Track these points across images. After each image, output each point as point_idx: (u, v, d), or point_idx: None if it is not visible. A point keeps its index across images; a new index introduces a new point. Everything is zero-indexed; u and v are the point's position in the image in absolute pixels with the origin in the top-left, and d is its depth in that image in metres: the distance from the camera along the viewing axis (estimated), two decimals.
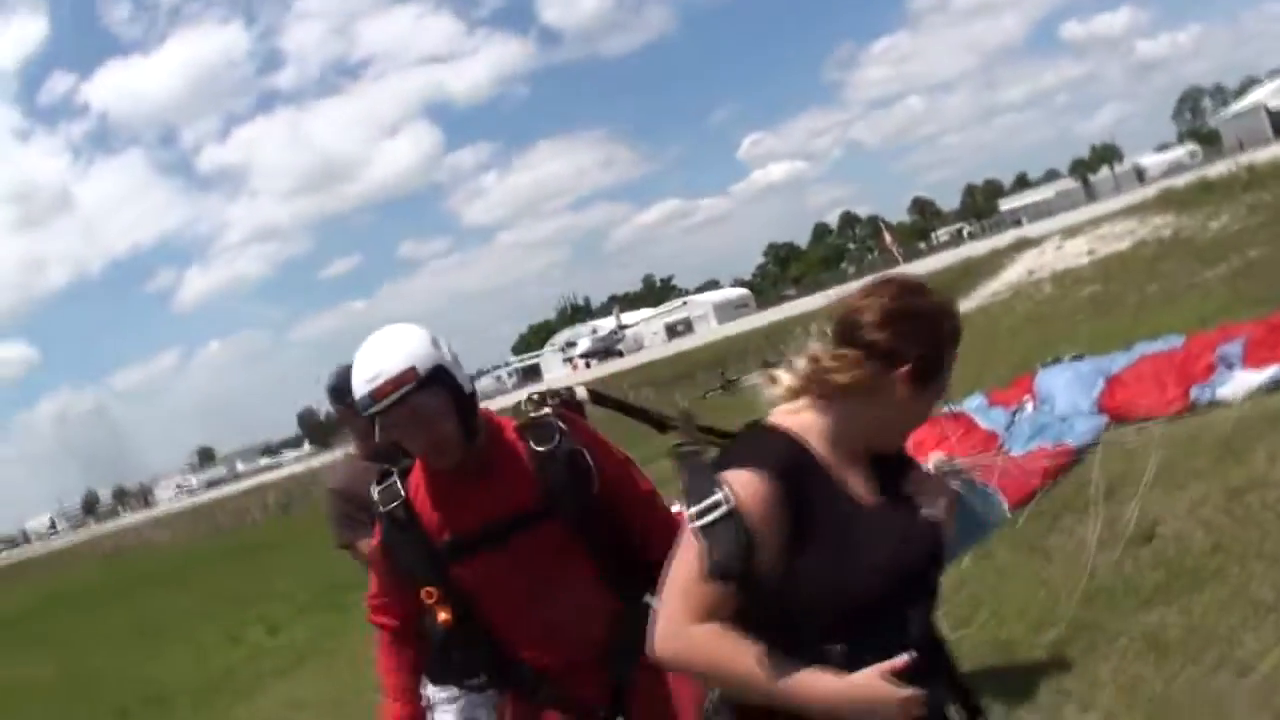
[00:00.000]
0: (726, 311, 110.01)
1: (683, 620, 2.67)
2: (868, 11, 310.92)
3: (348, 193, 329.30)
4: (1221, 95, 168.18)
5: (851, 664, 2.55)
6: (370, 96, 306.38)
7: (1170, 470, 8.33)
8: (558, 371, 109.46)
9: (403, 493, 4.03)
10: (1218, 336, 11.08)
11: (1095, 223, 39.68)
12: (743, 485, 2.64)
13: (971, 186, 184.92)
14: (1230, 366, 10.05)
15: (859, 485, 2.80)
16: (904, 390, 2.77)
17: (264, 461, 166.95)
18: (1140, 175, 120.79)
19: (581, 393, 4.46)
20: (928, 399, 2.87)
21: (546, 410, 4.13)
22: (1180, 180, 46.93)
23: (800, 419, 2.83)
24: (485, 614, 4.02)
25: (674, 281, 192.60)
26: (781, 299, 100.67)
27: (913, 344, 2.76)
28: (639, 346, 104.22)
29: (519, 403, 4.32)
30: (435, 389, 3.82)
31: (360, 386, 3.79)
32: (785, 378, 2.93)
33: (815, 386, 2.83)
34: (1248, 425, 8.78)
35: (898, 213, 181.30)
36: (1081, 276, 27.23)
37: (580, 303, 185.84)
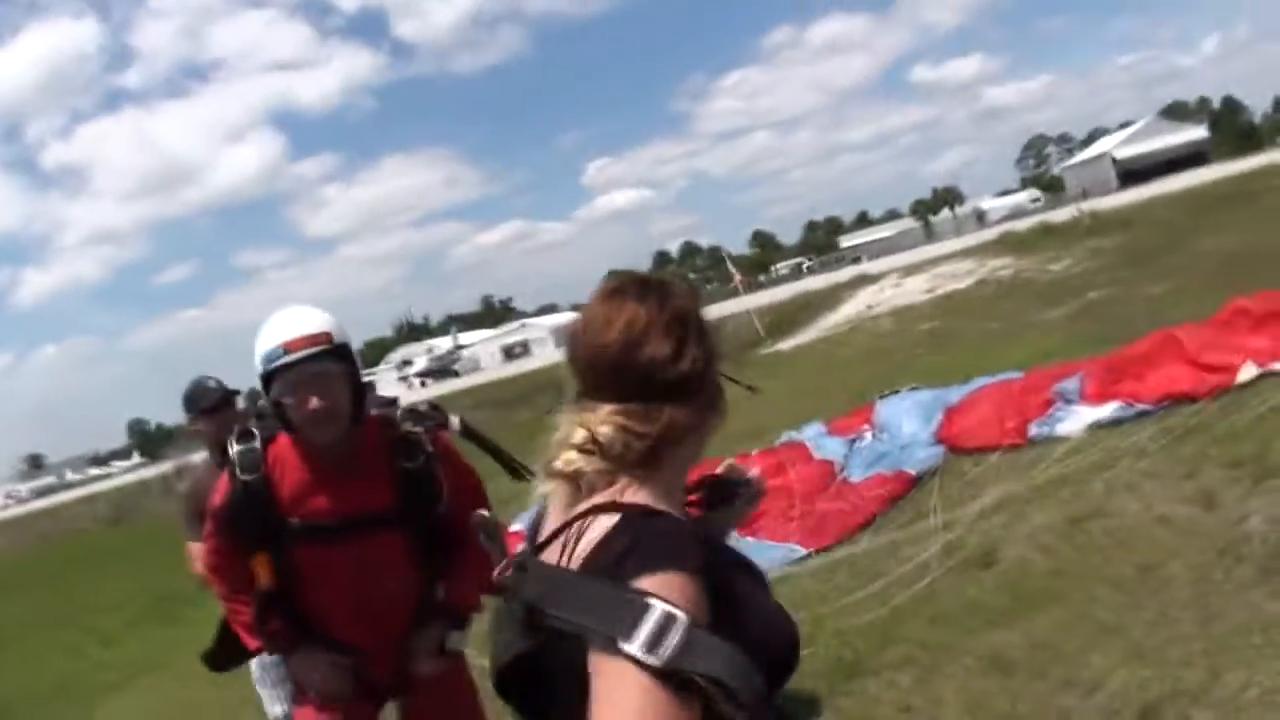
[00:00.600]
0: (564, 335, 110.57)
1: None
2: (720, 44, 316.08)
3: (188, 197, 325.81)
4: (1067, 144, 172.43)
5: None
6: (217, 100, 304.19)
7: (1009, 499, 8.54)
8: (393, 389, 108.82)
9: (263, 465, 4.16)
10: (1056, 372, 11.31)
11: (935, 261, 40.39)
12: (680, 592, 1.94)
13: (813, 222, 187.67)
14: (1069, 402, 10.27)
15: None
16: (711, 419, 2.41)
17: (93, 471, 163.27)
18: (980, 218, 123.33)
19: (455, 423, 4.69)
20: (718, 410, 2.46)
21: (419, 429, 4.33)
22: (1022, 224, 47.92)
23: (639, 494, 2.18)
24: (307, 591, 4.27)
25: (513, 303, 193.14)
26: None
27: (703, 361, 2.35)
28: (475, 367, 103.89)
29: (400, 411, 4.44)
30: (341, 361, 4.09)
31: (272, 339, 3.98)
32: (589, 464, 2.21)
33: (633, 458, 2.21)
34: (1087, 460, 8.98)
35: (739, 244, 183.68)
36: (921, 313, 27.70)
37: (418, 321, 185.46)
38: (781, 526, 9.66)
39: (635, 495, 2.16)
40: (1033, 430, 10.11)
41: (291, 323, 4.01)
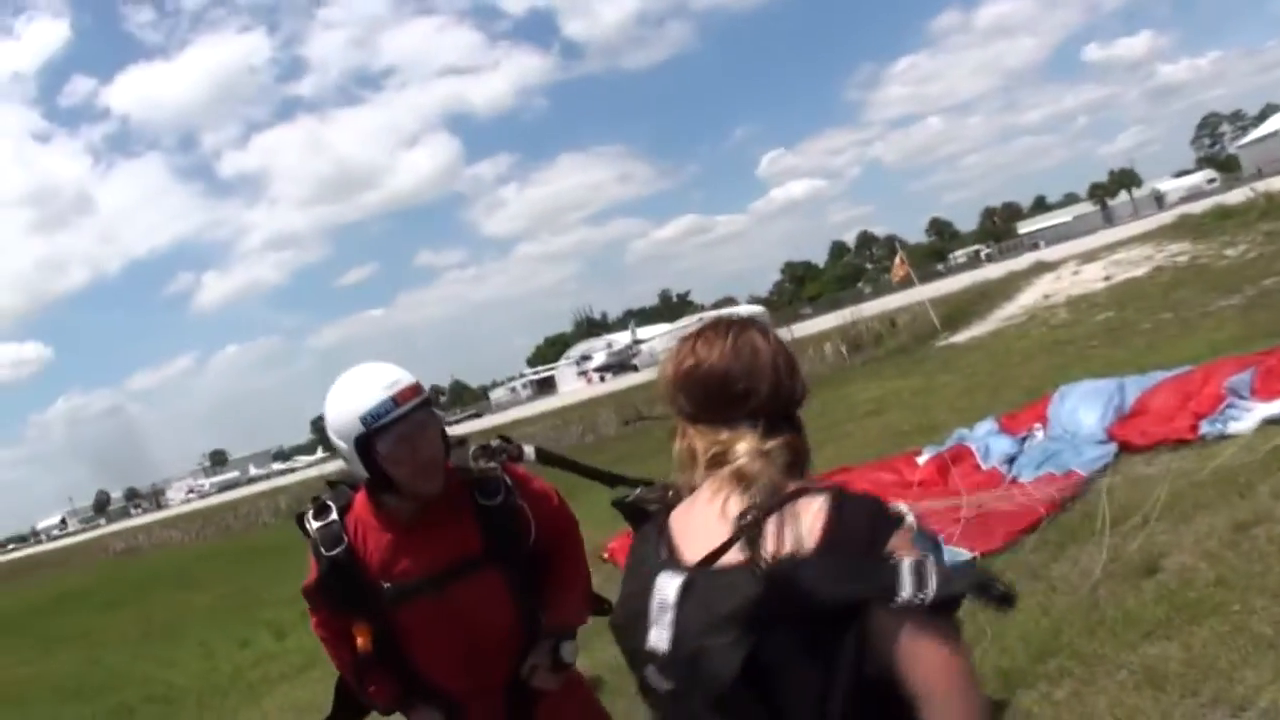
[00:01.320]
0: (673, 363, 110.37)
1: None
2: (889, 32, 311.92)
3: (366, 202, 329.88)
4: (1241, 122, 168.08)
5: None
6: (391, 106, 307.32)
7: (1177, 502, 8.32)
8: (572, 384, 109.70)
9: (345, 535, 4.11)
10: (1228, 366, 11.08)
11: (1111, 248, 39.56)
12: (909, 542, 2.31)
13: (990, 208, 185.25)
14: (1241, 397, 10.03)
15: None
16: None
17: (276, 466, 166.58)
18: (1159, 200, 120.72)
19: (530, 453, 4.72)
20: None
21: (494, 465, 4.30)
22: (1198, 206, 46.82)
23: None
24: (415, 649, 4.21)
25: (690, 297, 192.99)
26: (798, 316, 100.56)
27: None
28: (654, 361, 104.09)
29: (472, 451, 4.41)
30: (432, 410, 4.09)
31: (377, 393, 3.89)
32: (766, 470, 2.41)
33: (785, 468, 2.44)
34: (1255, 459, 8.77)
35: (915, 233, 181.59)
36: (1097, 302, 27.20)
37: (596, 316, 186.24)
38: (946, 529, 9.37)
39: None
40: (1204, 428, 9.89)
41: (385, 377, 3.96)
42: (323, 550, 4.10)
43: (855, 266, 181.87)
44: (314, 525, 4.15)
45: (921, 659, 2.19)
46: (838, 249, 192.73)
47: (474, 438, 4.53)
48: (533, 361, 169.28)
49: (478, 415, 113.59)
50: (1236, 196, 41.94)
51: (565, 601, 4.39)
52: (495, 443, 4.52)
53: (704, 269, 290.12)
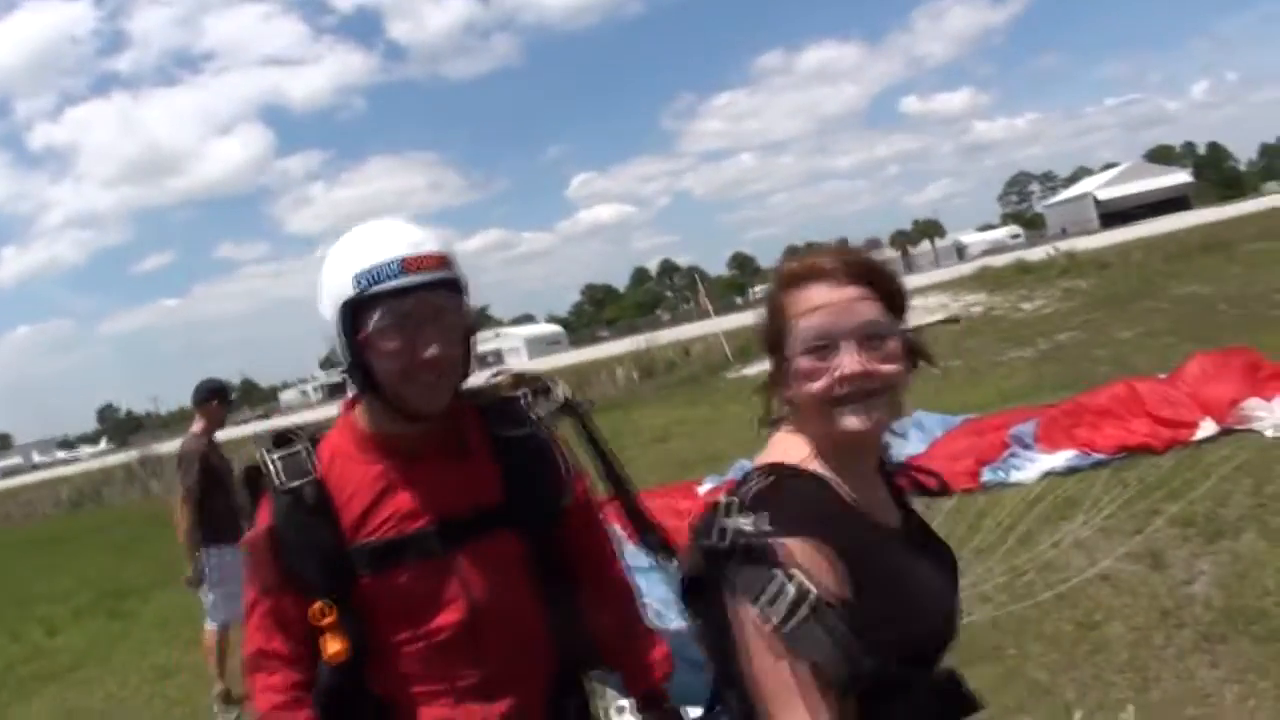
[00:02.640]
0: (539, 347, 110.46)
1: None
2: (712, 65, 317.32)
3: (172, 187, 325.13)
4: (1050, 182, 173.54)
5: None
6: (208, 91, 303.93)
7: (956, 547, 8.43)
8: None
9: (313, 468, 2.83)
10: (1013, 416, 11.26)
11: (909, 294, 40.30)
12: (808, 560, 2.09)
13: (793, 246, 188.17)
14: (1025, 447, 10.22)
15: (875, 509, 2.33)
16: None
17: (60, 455, 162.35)
18: (960, 252, 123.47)
19: (563, 390, 3.27)
20: (792, 360, 2.26)
21: (520, 394, 3.15)
22: (999, 260, 47.97)
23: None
24: (392, 650, 2.84)
25: (489, 311, 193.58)
26: (595, 339, 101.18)
27: (764, 339, 2.37)
28: None
29: (490, 377, 3.24)
30: (461, 298, 2.85)
31: (379, 251, 2.71)
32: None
33: None
34: (1034, 509, 8.95)
35: (718, 265, 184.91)
36: None
37: None
38: None
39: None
40: (986, 475, 10.04)
41: (406, 235, 2.78)
42: (280, 482, 2.82)
43: (656, 293, 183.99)
44: (273, 455, 2.87)
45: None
46: (640, 275, 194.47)
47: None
48: (325, 365, 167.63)
49: (265, 416, 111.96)
50: (1039, 253, 43.20)
51: (638, 647, 3.24)
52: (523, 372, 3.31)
53: (506, 284, 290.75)
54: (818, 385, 2.20)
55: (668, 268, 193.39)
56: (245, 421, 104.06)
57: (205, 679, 10.22)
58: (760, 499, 2.17)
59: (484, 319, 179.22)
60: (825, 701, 2.03)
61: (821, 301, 2.22)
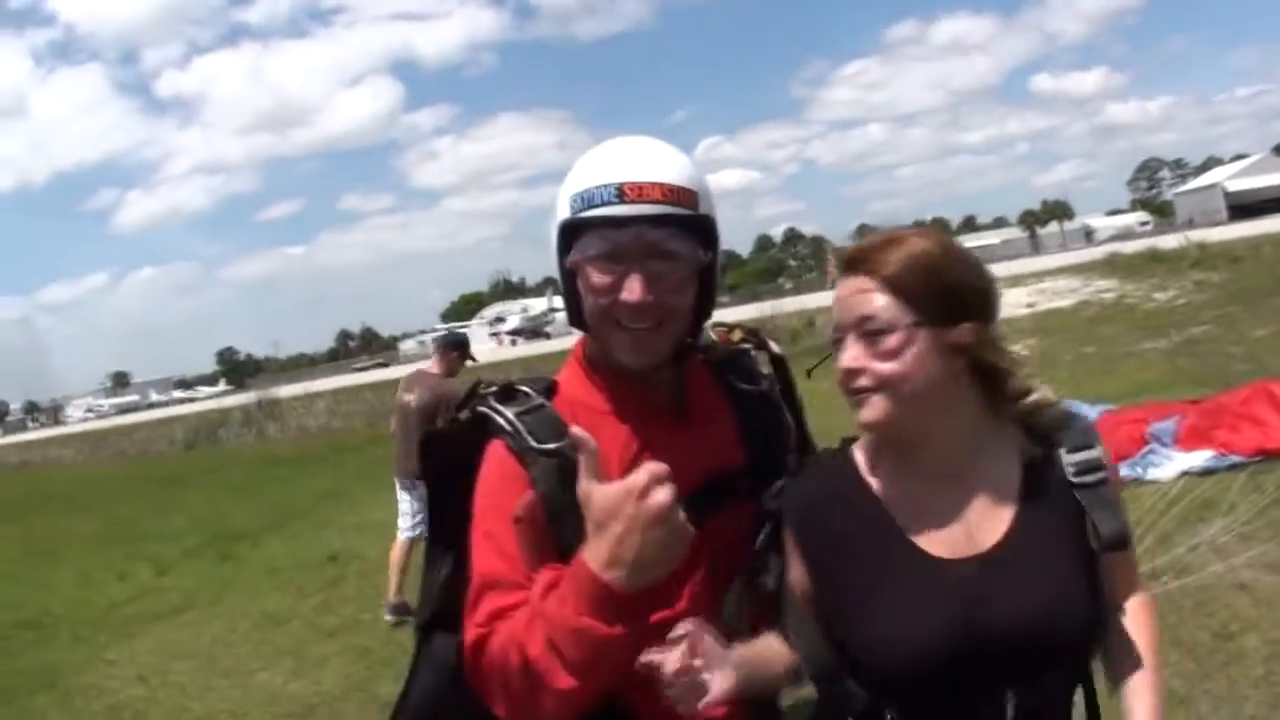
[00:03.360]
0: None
1: None
2: (844, 33, 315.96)
3: (300, 138, 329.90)
4: (1182, 170, 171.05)
5: None
6: (337, 43, 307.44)
7: None
8: (483, 345, 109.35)
9: (565, 426, 2.33)
10: (1151, 411, 11.01)
11: (1038, 276, 39.88)
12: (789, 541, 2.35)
13: (920, 221, 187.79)
14: (1163, 444, 9.97)
15: (925, 520, 2.23)
16: None
17: (177, 394, 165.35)
18: (1088, 235, 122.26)
19: (776, 347, 2.92)
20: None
21: (747, 345, 2.82)
22: (1129, 246, 47.27)
23: None
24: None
25: None
26: (717, 305, 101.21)
27: None
28: (568, 331, 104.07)
29: (710, 328, 2.80)
30: (699, 243, 2.44)
31: (602, 173, 2.38)
32: None
33: None
34: (1172, 508, 8.74)
35: (842, 236, 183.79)
36: (1019, 328, 27.28)
37: (515, 280, 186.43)
38: None
39: None
40: (1123, 471, 9.77)
41: (639, 158, 2.42)
42: (533, 444, 2.38)
43: (779, 261, 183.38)
44: (508, 411, 2.45)
45: None
46: (763, 242, 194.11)
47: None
48: (446, 317, 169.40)
49: (384, 364, 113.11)
50: (1170, 242, 42.49)
51: None
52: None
53: None
54: (839, 379, 2.22)
55: (792, 236, 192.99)
56: (364, 369, 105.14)
57: (316, 629, 10.48)
58: (795, 472, 2.44)
59: None
60: None
61: (837, 294, 2.22)
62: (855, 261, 2.18)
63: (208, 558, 16.45)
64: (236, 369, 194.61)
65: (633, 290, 2.34)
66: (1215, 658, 6.26)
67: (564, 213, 2.41)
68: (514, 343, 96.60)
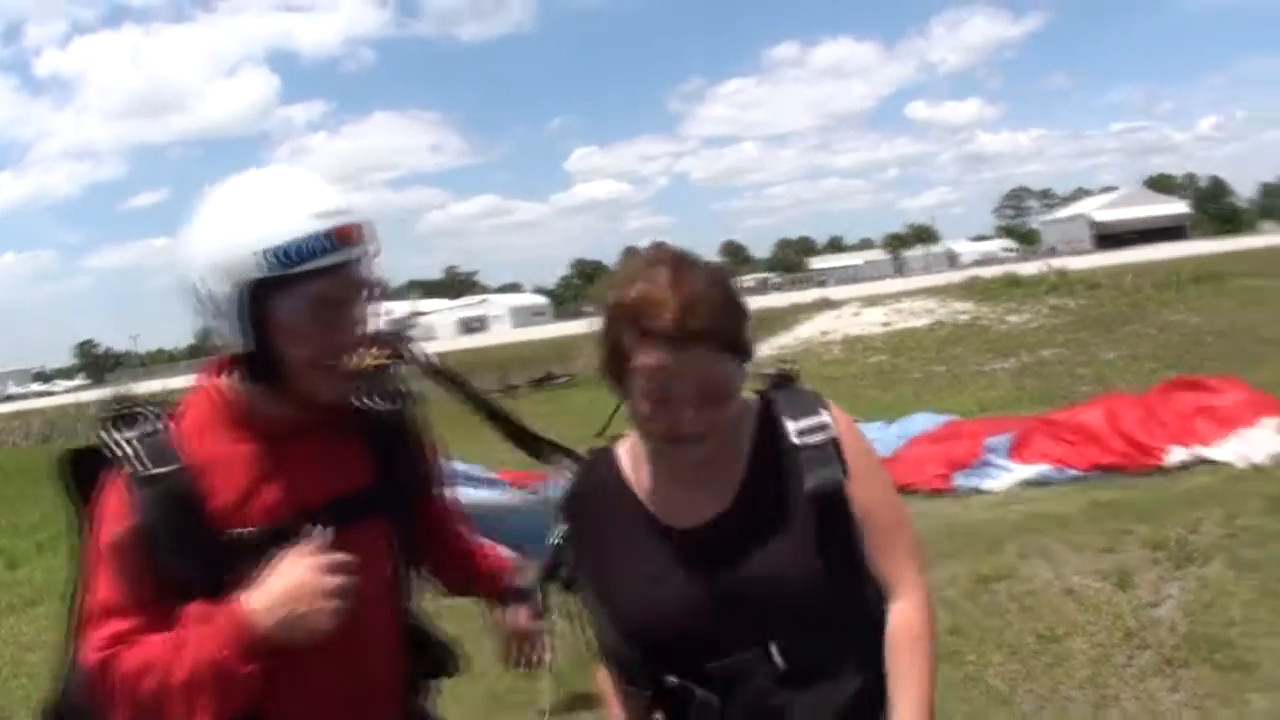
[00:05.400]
0: (523, 316, 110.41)
1: None
2: (726, 51, 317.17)
3: (174, 125, 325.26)
4: (1049, 200, 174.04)
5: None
6: (219, 31, 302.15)
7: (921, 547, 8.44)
8: None
9: (178, 450, 2.39)
10: (990, 425, 11.31)
11: (897, 296, 40.36)
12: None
13: (786, 240, 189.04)
14: (999, 456, 10.25)
15: (669, 499, 2.43)
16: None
17: (35, 387, 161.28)
18: (952, 259, 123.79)
19: (422, 354, 2.89)
20: (632, 398, 2.31)
21: (386, 360, 2.60)
22: (990, 271, 48.02)
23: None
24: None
25: (477, 277, 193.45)
26: (580, 314, 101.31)
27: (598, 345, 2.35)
28: (430, 336, 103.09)
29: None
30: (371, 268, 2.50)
31: (304, 219, 2.31)
32: None
33: None
34: (1005, 518, 8.97)
35: (709, 252, 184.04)
36: (872, 345, 27.73)
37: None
38: None
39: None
40: (958, 480, 10.07)
41: (319, 198, 2.38)
42: (144, 468, 2.34)
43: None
44: (122, 436, 2.40)
45: None
46: (630, 254, 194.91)
47: None
48: (197, 351, 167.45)
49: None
50: (1030, 268, 43.22)
51: (488, 563, 3.10)
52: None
53: (495, 251, 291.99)
54: (656, 428, 2.30)
55: None
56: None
57: None
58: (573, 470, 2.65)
59: (471, 285, 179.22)
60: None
61: (660, 364, 2.20)
62: (680, 334, 2.17)
63: (60, 552, 16.25)
64: (96, 363, 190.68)
65: (348, 336, 2.43)
66: (1040, 659, 6.43)
67: (254, 269, 2.30)
68: None
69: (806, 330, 35.81)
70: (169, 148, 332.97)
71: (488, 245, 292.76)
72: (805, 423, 2.42)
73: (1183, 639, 6.49)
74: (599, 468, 2.57)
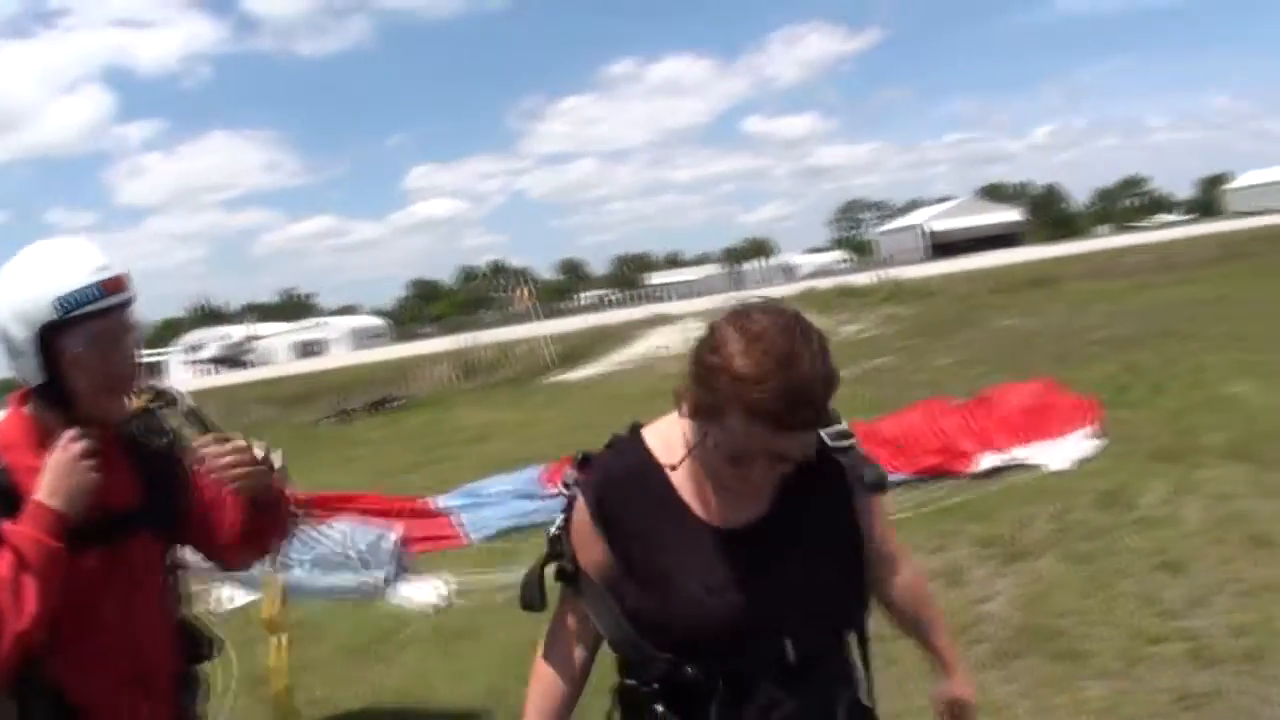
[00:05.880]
0: (362, 338, 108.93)
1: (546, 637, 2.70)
2: (564, 68, 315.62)
3: (11, 144, 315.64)
4: (884, 211, 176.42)
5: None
6: (57, 47, 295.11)
7: None
8: (181, 373, 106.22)
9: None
10: None
11: None
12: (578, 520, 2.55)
13: (624, 256, 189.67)
14: None
15: (712, 501, 2.49)
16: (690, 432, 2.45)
17: None
18: (788, 272, 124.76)
19: (185, 401, 3.48)
20: (711, 437, 2.36)
21: (155, 405, 3.38)
22: (824, 283, 48.61)
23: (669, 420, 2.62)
24: (64, 642, 2.94)
25: (314, 299, 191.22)
26: (418, 335, 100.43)
27: (693, 389, 2.40)
28: (267, 360, 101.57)
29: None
30: (136, 316, 3.14)
31: (83, 274, 2.91)
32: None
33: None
34: None
35: (548, 269, 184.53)
36: None
37: (215, 305, 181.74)
38: None
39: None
40: None
41: (93, 258, 2.97)
42: None
43: (483, 293, 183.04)
44: None
45: None
46: (468, 273, 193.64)
47: None
48: (144, 344, 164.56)
49: None
50: (864, 278, 43.81)
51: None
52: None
53: (332, 272, 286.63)
54: (725, 472, 2.37)
55: (497, 268, 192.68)
56: None
57: None
58: (588, 457, 2.61)
59: (308, 307, 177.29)
60: (581, 643, 2.61)
61: (762, 444, 2.26)
62: (808, 418, 2.28)
63: None
64: None
65: (118, 367, 3.03)
66: (879, 656, 6.44)
67: (46, 315, 2.88)
68: (213, 371, 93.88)
69: (644, 345, 36.12)
70: (10, 167, 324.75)
71: (325, 266, 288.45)
72: (835, 429, 2.52)
73: (1016, 631, 6.64)
74: (632, 454, 2.59)
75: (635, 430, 2.66)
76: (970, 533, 8.50)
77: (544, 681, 2.63)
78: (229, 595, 8.62)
